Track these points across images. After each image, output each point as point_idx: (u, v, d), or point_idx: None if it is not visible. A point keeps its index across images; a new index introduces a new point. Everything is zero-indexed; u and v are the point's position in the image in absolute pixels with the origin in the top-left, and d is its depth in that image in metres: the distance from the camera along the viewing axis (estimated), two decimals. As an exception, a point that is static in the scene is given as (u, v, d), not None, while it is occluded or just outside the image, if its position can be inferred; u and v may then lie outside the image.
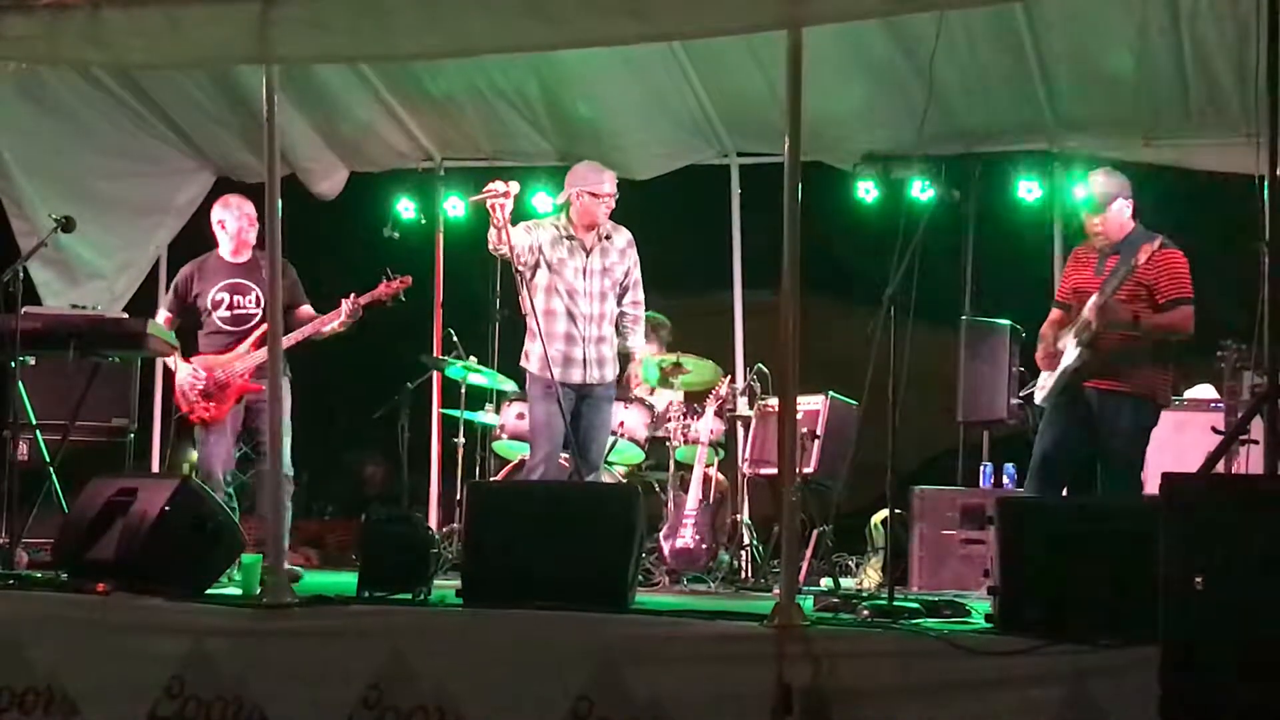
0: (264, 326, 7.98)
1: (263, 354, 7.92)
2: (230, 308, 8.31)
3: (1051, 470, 7.24)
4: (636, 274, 8.09)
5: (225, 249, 8.35)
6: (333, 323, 8.26)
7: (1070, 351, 7.11)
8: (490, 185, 7.57)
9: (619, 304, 8.06)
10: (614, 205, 7.97)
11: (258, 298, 8.26)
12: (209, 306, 8.27)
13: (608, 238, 7.96)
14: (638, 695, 5.43)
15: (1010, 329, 8.91)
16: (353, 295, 8.25)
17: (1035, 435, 7.48)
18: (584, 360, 7.82)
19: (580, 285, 7.85)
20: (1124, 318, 6.98)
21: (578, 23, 5.81)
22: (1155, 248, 6.90)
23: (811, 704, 5.21)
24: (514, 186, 7.57)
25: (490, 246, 7.71)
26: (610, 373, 7.98)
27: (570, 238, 7.89)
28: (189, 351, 8.39)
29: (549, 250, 7.84)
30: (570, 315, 7.81)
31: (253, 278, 8.32)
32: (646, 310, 8.44)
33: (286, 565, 8.10)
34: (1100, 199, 7.20)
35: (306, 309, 8.40)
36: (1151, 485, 6.20)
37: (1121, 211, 7.21)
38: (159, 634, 6.03)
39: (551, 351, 7.72)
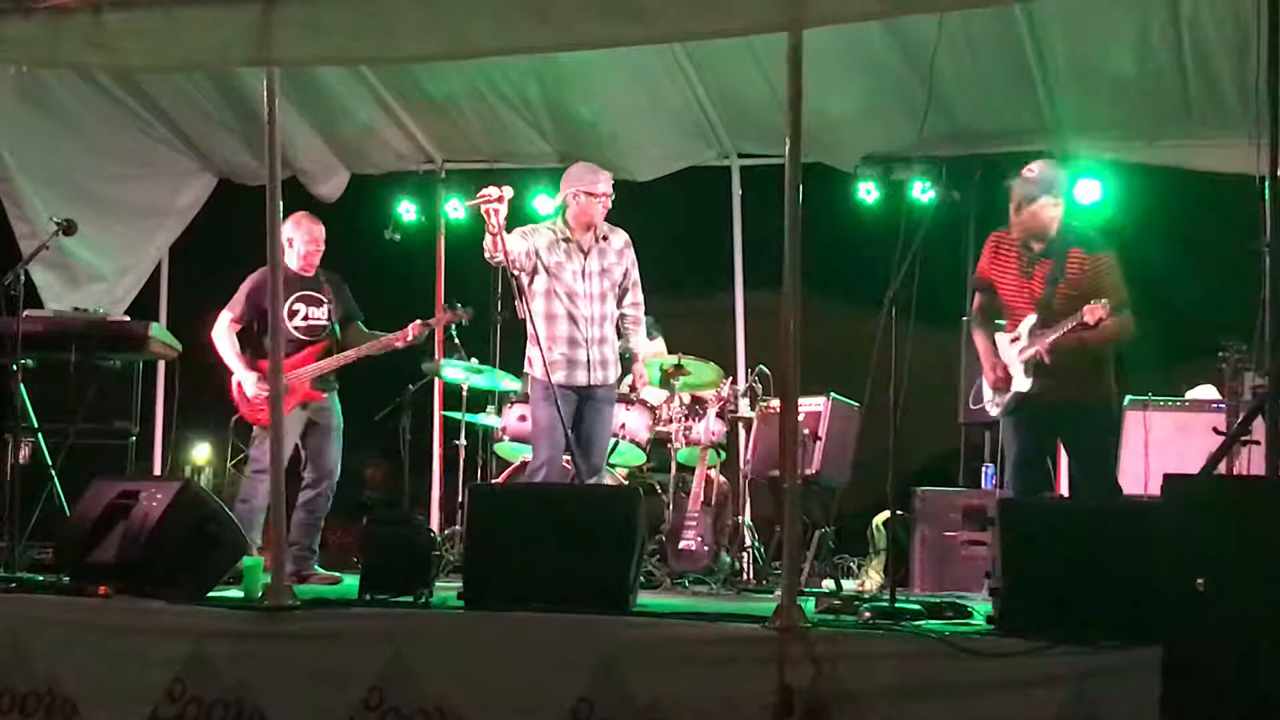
0: (324, 340, 8.46)
1: (324, 364, 8.41)
2: (305, 319, 8.42)
3: (1029, 477, 7.18)
4: (635, 275, 8.08)
5: (293, 262, 8.37)
6: (397, 343, 8.48)
7: (1020, 379, 7.08)
8: (484, 191, 7.54)
9: (619, 305, 8.05)
10: (610, 205, 7.96)
11: (328, 311, 8.49)
12: (284, 315, 8.30)
13: (605, 239, 7.95)
14: (639, 697, 5.43)
15: (1012, 330, 8.90)
16: (418, 320, 8.48)
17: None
18: (588, 362, 7.82)
19: (580, 288, 7.84)
20: (1071, 346, 6.93)
21: (578, 25, 5.81)
22: (1104, 313, 6.76)
23: (813, 706, 5.21)
24: (507, 191, 7.53)
25: (486, 254, 7.68)
26: (613, 374, 7.97)
27: (567, 240, 7.88)
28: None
29: (546, 255, 7.83)
30: (571, 318, 7.80)
31: (322, 291, 8.51)
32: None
33: (323, 571, 8.21)
34: (1021, 192, 7.08)
35: (359, 324, 8.65)
36: (1153, 486, 6.20)
37: (1044, 210, 7.06)
38: (160, 636, 6.03)
39: (554, 355, 7.72)
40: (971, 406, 8.17)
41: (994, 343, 7.24)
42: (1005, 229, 7.30)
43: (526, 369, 7.94)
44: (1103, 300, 6.78)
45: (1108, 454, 7.07)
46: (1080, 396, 7.00)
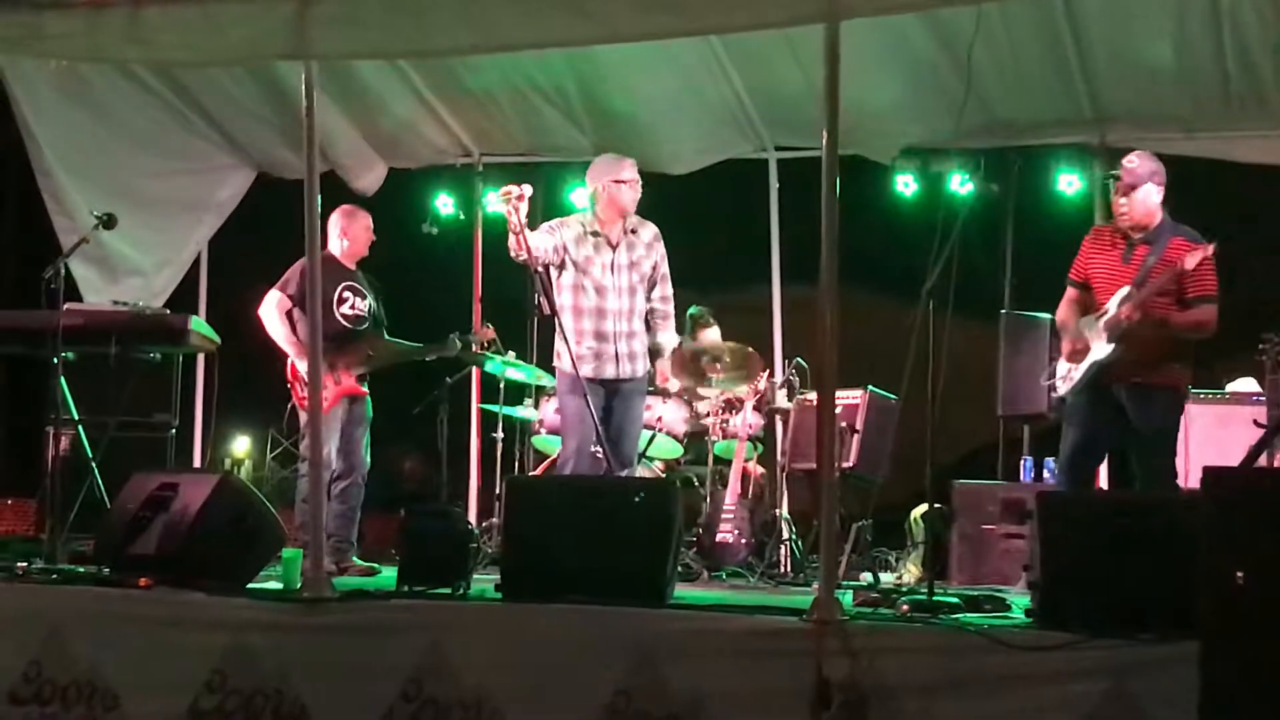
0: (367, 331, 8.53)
1: (374, 362, 8.50)
2: (353, 307, 8.47)
3: (1083, 466, 7.15)
4: (664, 268, 8.06)
5: (338, 251, 8.44)
6: (433, 355, 8.77)
7: (1100, 346, 7.01)
8: (504, 188, 7.56)
9: (648, 298, 8.05)
10: (639, 191, 7.97)
11: (369, 305, 8.55)
12: (333, 301, 8.33)
13: (633, 231, 7.94)
14: (676, 689, 5.44)
15: (1051, 323, 8.81)
16: (459, 332, 8.77)
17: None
18: (616, 355, 7.81)
19: (609, 281, 7.83)
20: (1156, 317, 6.91)
21: (615, 18, 5.82)
22: (1208, 254, 6.79)
23: (850, 699, 5.21)
24: (526, 189, 7.54)
25: (511, 253, 7.69)
26: (641, 367, 7.96)
27: (596, 234, 7.88)
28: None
29: (574, 249, 7.83)
30: (600, 312, 7.80)
31: (365, 284, 8.60)
32: (692, 306, 8.47)
33: (361, 563, 8.22)
34: (1128, 180, 7.09)
35: (383, 329, 8.71)
36: (1193, 479, 6.17)
37: (1149, 197, 7.05)
38: (200, 628, 6.07)
39: (583, 349, 7.71)
40: (1042, 384, 8.13)
41: (1077, 328, 7.20)
42: (1105, 223, 7.27)
43: (555, 362, 7.94)
44: (1206, 247, 6.79)
45: (1170, 440, 7.01)
46: (1155, 377, 6.96)
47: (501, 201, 7.55)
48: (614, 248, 7.88)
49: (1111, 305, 6.98)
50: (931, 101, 9.24)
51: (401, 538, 6.66)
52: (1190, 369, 7.13)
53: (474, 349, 8.99)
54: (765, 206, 10.80)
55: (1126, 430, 7.02)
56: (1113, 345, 6.94)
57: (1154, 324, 6.87)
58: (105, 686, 6.07)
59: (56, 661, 6.16)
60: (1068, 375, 7.18)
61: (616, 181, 7.89)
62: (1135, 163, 7.12)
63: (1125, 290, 6.94)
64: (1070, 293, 7.33)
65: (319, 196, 6.46)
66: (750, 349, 9.07)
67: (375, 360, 8.45)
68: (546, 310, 7.83)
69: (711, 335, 9.68)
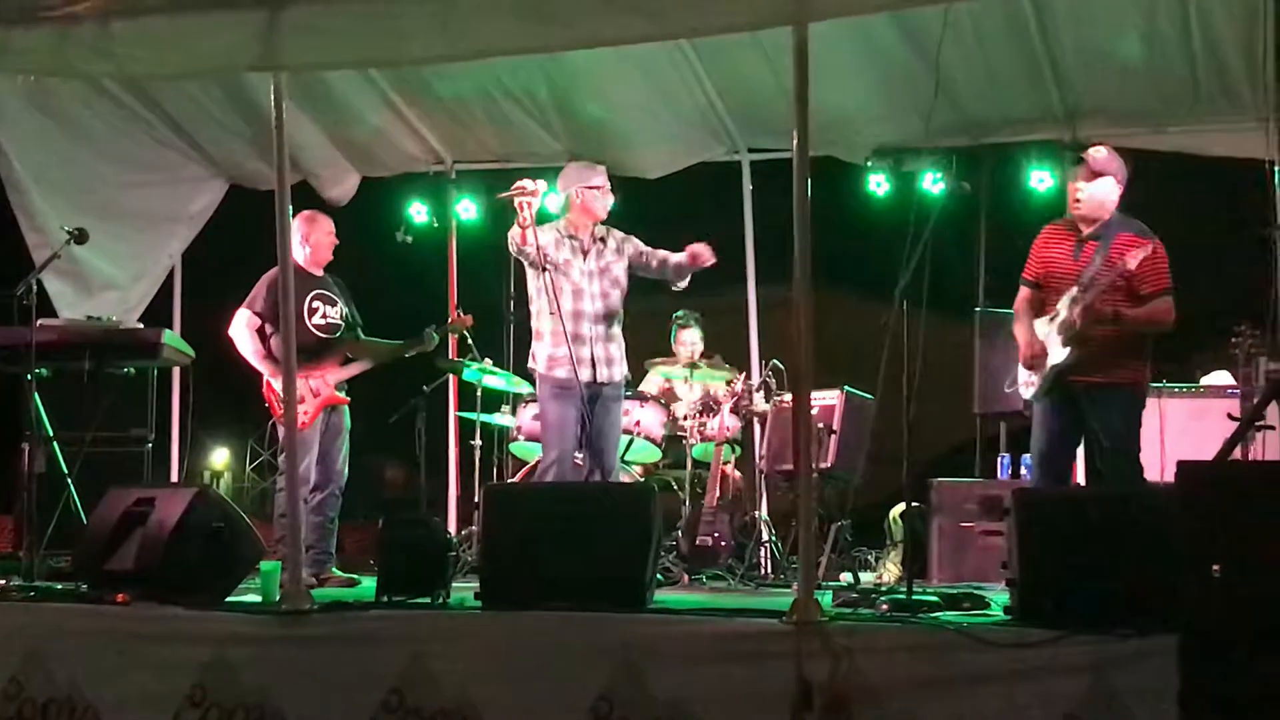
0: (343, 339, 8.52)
1: (350, 370, 8.46)
2: (324, 316, 8.44)
3: (1053, 468, 7.16)
4: (641, 244, 8.07)
5: (302, 259, 8.38)
6: (412, 351, 8.71)
7: (1056, 350, 7.04)
8: (519, 183, 7.61)
9: (645, 263, 8.04)
10: (611, 198, 8.00)
11: (341, 310, 8.52)
12: (304, 312, 8.31)
13: (602, 240, 7.97)
14: (658, 694, 5.43)
15: (1025, 319, 8.88)
16: (435, 325, 8.74)
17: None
18: (592, 359, 7.81)
19: (584, 285, 7.85)
20: (1107, 315, 6.91)
21: (585, 23, 5.82)
22: (1148, 252, 6.82)
23: (832, 700, 5.21)
24: (541, 185, 7.62)
25: (514, 247, 7.70)
26: (619, 372, 7.97)
27: (571, 237, 7.91)
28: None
29: (553, 251, 7.85)
30: (577, 314, 7.81)
31: (333, 290, 8.56)
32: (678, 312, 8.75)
33: (341, 574, 8.21)
34: (1091, 167, 7.09)
35: (358, 331, 8.67)
36: (1169, 473, 6.19)
37: (1108, 191, 7.08)
38: (180, 643, 6.05)
39: (559, 351, 7.71)
40: (1006, 390, 8.14)
41: (1032, 328, 7.22)
42: (1056, 222, 7.30)
43: (531, 365, 7.94)
44: (1148, 244, 6.81)
45: (1133, 436, 7.03)
46: (1112, 376, 6.96)
47: (511, 196, 7.57)
48: (585, 254, 7.90)
49: (1062, 308, 7.01)
50: (902, 101, 9.25)
51: (379, 548, 6.64)
52: (1148, 366, 7.13)
53: (451, 339, 8.97)
54: (739, 209, 10.81)
55: (1088, 431, 7.05)
56: (1068, 349, 6.97)
57: (1107, 321, 6.89)
58: (85, 703, 6.05)
59: (36, 679, 6.14)
60: (1029, 380, 7.21)
61: (590, 188, 7.93)
62: (1102, 154, 7.15)
63: (1073, 292, 6.96)
64: (1024, 293, 7.35)
65: (290, 208, 6.45)
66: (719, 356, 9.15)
67: (355, 363, 8.43)
68: (552, 309, 7.77)
69: (690, 336, 9.70)
